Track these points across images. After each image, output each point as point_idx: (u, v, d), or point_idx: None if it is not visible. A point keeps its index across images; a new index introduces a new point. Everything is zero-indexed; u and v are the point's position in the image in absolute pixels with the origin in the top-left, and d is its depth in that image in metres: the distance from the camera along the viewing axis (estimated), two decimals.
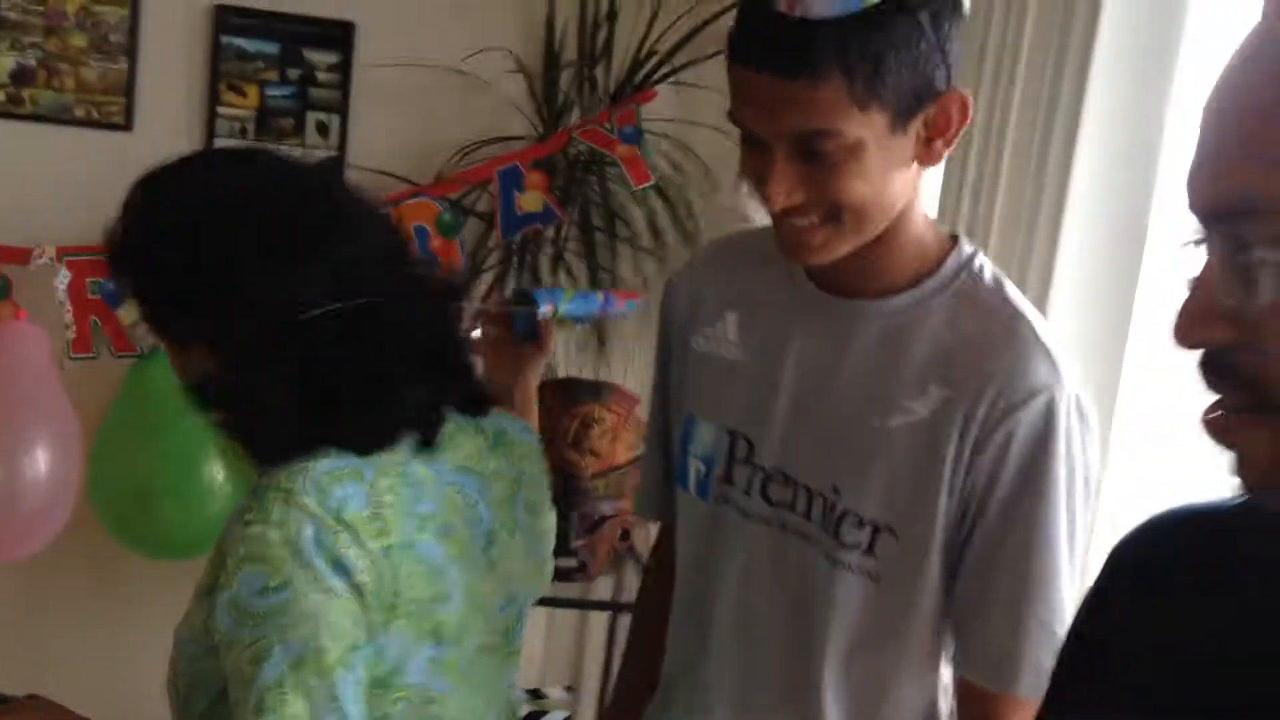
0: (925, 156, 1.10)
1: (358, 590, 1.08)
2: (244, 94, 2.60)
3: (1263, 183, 0.52)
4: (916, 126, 1.08)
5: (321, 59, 2.61)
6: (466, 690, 1.22)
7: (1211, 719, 0.63)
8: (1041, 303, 1.61)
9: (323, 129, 2.63)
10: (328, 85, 2.62)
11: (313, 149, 2.62)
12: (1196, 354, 0.58)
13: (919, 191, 1.16)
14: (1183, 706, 0.65)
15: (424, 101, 2.61)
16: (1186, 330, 0.57)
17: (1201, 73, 1.51)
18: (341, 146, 2.64)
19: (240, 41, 2.58)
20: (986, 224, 1.72)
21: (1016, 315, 1.13)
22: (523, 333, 1.47)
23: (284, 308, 1.10)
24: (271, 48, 2.59)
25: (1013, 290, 1.16)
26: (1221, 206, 0.54)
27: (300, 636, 1.04)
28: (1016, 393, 1.09)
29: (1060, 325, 1.60)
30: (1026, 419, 1.08)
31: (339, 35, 2.60)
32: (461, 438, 1.25)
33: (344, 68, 2.61)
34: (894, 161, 1.08)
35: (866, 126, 1.04)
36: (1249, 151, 0.53)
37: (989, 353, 1.11)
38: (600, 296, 1.62)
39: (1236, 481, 0.58)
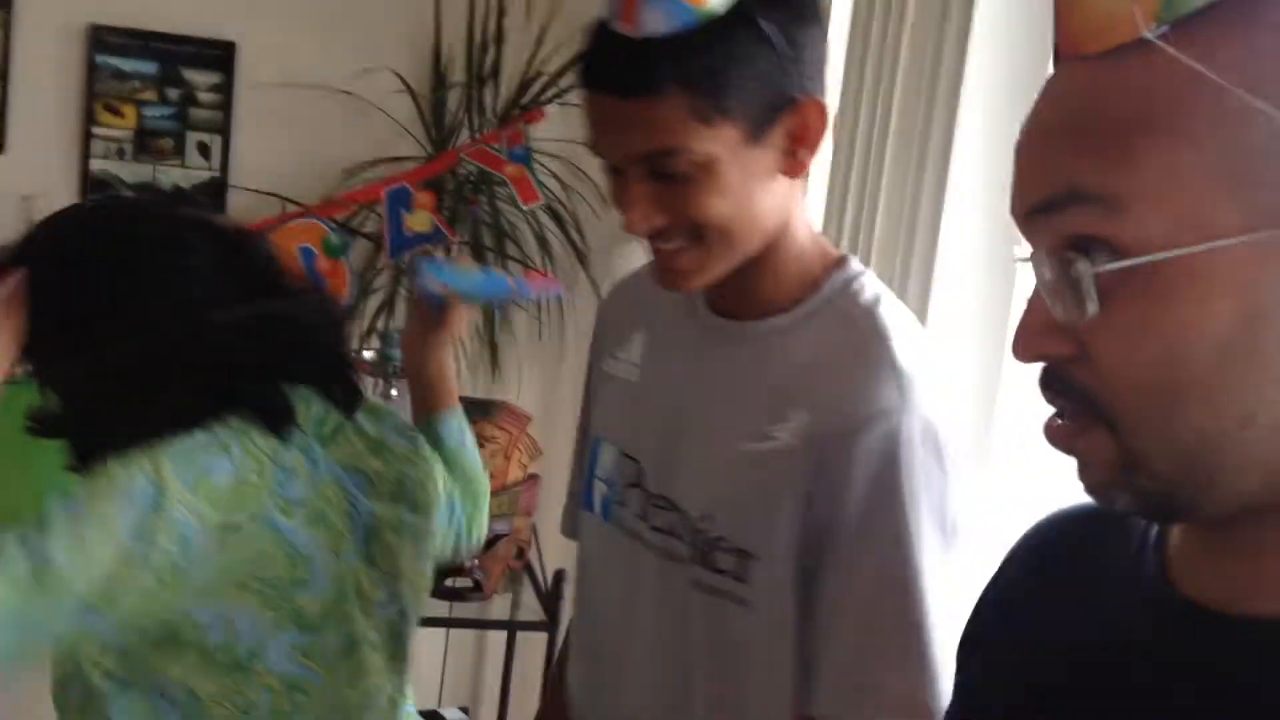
0: (790, 168, 1.07)
1: (145, 563, 1.10)
2: (121, 114, 2.54)
3: (1063, 177, 0.57)
4: (775, 138, 1.04)
5: (202, 79, 2.57)
6: (338, 683, 1.25)
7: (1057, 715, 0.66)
8: (920, 317, 1.66)
9: (204, 150, 2.59)
10: (209, 105, 2.58)
11: (194, 170, 2.58)
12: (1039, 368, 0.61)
13: (797, 207, 1.12)
14: (1038, 705, 0.67)
15: (309, 122, 2.59)
16: (1024, 345, 0.60)
17: None
18: (224, 168, 2.60)
19: (117, 61, 2.53)
20: (867, 241, 1.77)
21: (877, 336, 1.08)
22: (427, 306, 1.43)
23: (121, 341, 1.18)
24: (149, 67, 2.55)
25: (889, 311, 1.10)
26: (1031, 207, 0.59)
27: (63, 551, 1.07)
28: (856, 416, 1.03)
29: (938, 337, 1.65)
30: (865, 445, 1.02)
31: (220, 55, 2.56)
32: (347, 436, 1.30)
33: (225, 88, 2.58)
34: (755, 176, 1.05)
35: (717, 142, 1.01)
36: (1047, 161, 0.58)
37: (841, 375, 1.07)
38: (511, 281, 1.51)
39: (1083, 487, 0.61)
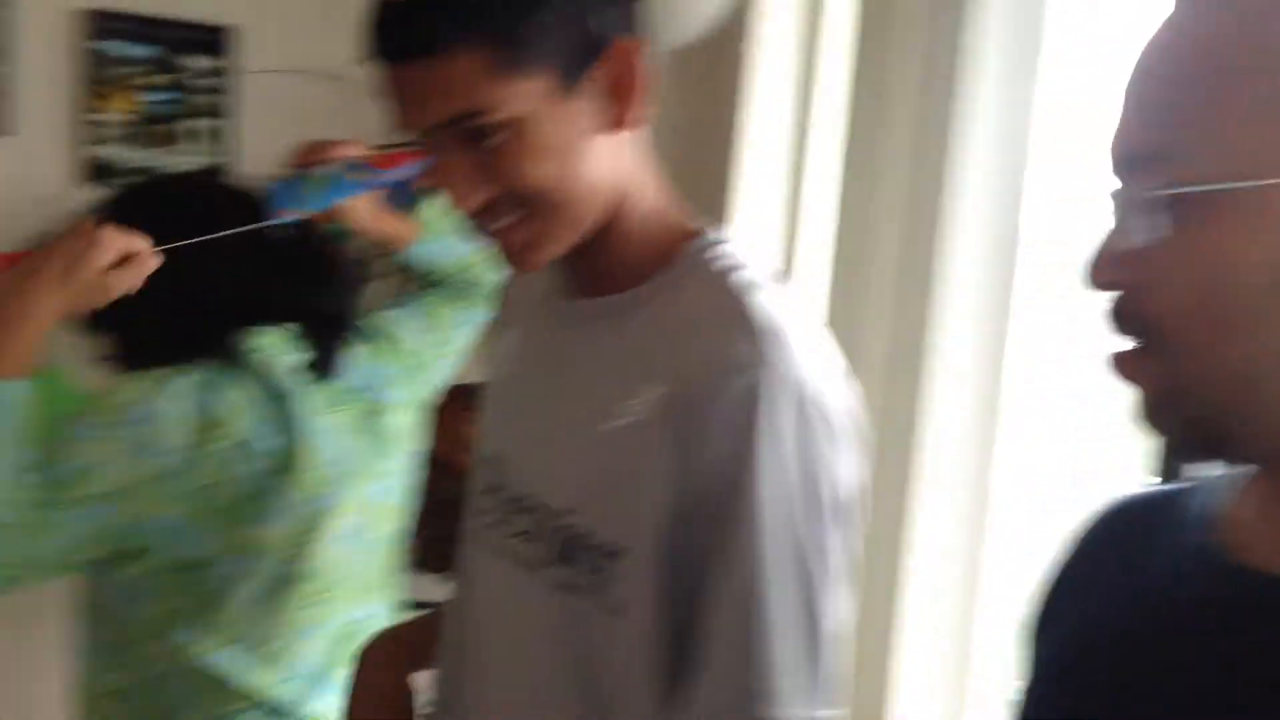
0: (614, 122, 0.98)
1: (139, 470, 1.37)
2: (119, 100, 2.53)
3: (1165, 134, 0.61)
4: (590, 89, 0.96)
5: (202, 64, 2.55)
6: (285, 605, 1.50)
7: (1107, 700, 0.68)
8: (926, 296, 1.66)
9: (205, 136, 2.57)
10: (208, 91, 2.57)
11: (193, 156, 2.56)
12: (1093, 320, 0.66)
13: (639, 170, 1.03)
14: (1086, 687, 0.69)
15: (311, 107, 2.56)
16: (1097, 272, 0.64)
17: (1060, 90, 1.60)
18: (224, 153, 2.58)
19: (114, 46, 2.51)
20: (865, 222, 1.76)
21: (732, 295, 0.98)
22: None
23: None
24: (147, 52, 2.53)
25: (751, 275, 1.01)
26: (1132, 156, 0.62)
27: (72, 462, 1.35)
28: (710, 379, 0.93)
29: (945, 317, 1.65)
30: (721, 409, 0.92)
31: (219, 40, 2.55)
32: (337, 390, 1.53)
33: (226, 73, 2.56)
34: (573, 133, 0.96)
35: (523, 97, 0.93)
36: (1154, 112, 0.61)
37: (695, 339, 0.97)
38: (362, 177, 1.47)
39: (1138, 416, 0.65)
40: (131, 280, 1.36)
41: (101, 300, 1.35)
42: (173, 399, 1.38)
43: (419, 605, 2.44)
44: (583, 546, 1.00)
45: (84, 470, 1.33)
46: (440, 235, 1.63)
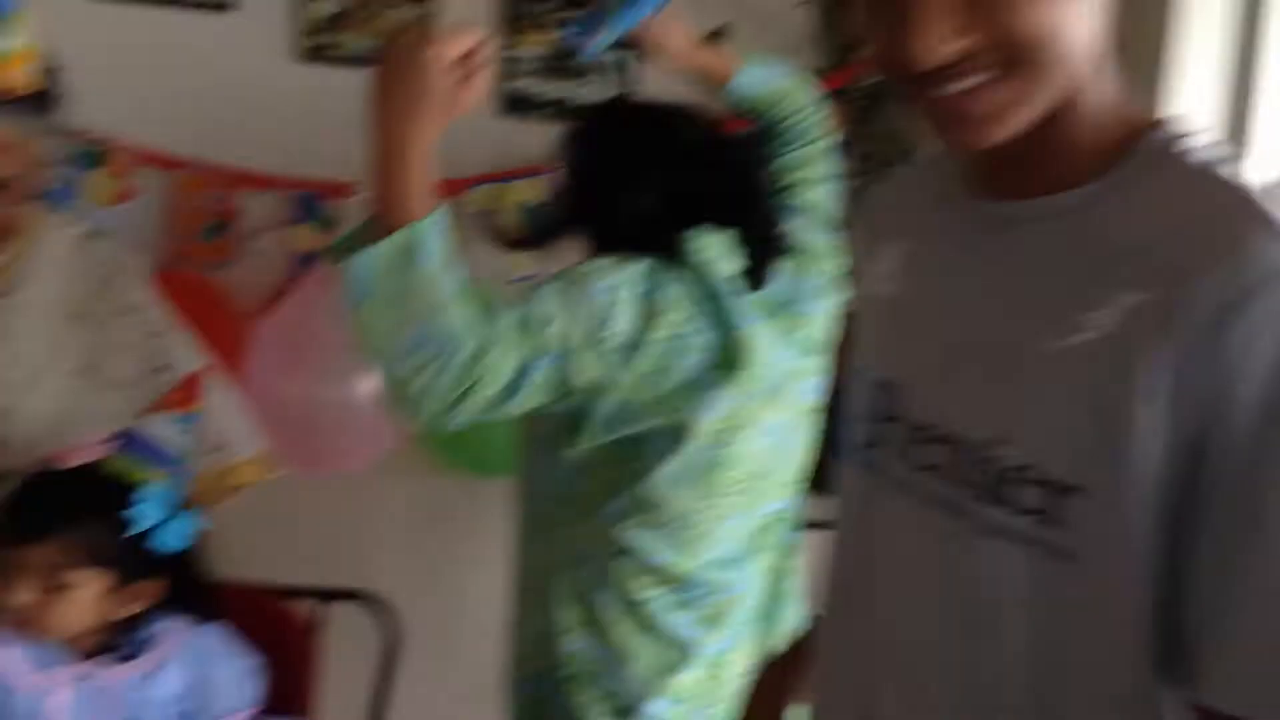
0: None
1: (592, 343, 1.48)
2: (533, 36, 2.66)
3: None
4: None
5: None
6: (696, 494, 1.58)
7: None
8: None
9: (616, 68, 2.67)
10: None
11: (601, 88, 2.67)
12: None
13: (1108, 47, 0.88)
14: None
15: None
16: None
17: None
18: (630, 85, 2.67)
19: None
20: None
21: (1233, 194, 0.83)
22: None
23: None
24: None
25: (1235, 172, 0.85)
26: None
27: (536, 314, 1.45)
28: (1239, 283, 0.77)
29: None
30: (1256, 315, 0.76)
31: None
32: (769, 299, 1.64)
33: None
34: None
35: None
36: None
37: (1196, 240, 0.80)
38: None
39: None
40: (477, 83, 1.32)
41: (462, 109, 1.31)
42: (622, 283, 1.47)
43: (812, 525, 2.49)
44: (1022, 483, 0.86)
45: (537, 320, 1.41)
46: (756, 63, 1.66)
